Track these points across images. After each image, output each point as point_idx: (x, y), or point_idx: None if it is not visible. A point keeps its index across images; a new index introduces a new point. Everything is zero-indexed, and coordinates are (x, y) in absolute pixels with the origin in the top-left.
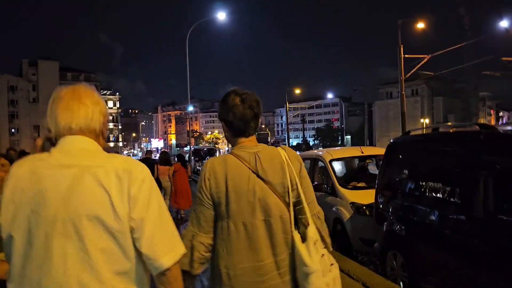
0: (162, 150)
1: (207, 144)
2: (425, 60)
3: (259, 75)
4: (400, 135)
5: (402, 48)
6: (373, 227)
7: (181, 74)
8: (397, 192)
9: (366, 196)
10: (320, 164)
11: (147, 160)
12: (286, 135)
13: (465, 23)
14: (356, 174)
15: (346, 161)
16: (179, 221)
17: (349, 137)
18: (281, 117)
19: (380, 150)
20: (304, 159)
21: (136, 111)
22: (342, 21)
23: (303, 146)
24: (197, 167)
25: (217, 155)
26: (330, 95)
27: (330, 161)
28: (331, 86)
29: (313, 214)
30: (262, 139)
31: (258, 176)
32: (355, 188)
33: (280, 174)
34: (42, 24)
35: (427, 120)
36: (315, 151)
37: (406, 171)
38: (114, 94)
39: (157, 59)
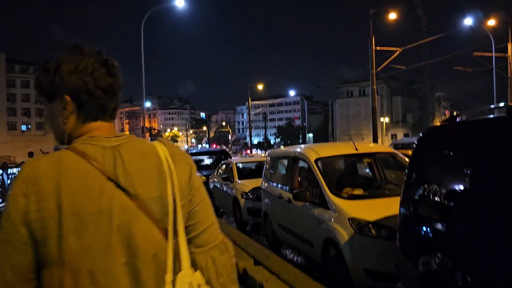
0: None
1: None
2: (397, 53)
3: (220, 72)
4: (443, 121)
5: (373, 39)
6: (387, 256)
7: (139, 70)
8: (446, 208)
9: (370, 209)
10: (302, 164)
11: None
12: (247, 133)
13: (423, 25)
14: (347, 177)
15: (335, 161)
16: None
17: (311, 135)
18: (242, 115)
19: (378, 147)
20: (279, 158)
21: None
22: (304, 20)
23: (265, 145)
24: None
25: None
26: (292, 93)
27: (316, 161)
28: (291, 85)
29: (211, 248)
30: (223, 138)
31: (118, 186)
32: (352, 197)
33: (156, 183)
34: None
35: (386, 119)
36: (293, 148)
37: (464, 176)
38: None
39: (114, 53)
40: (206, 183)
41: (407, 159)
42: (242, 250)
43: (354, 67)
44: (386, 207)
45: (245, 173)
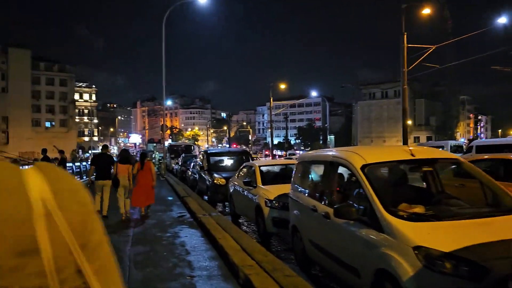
0: (122, 148)
1: (186, 141)
2: (430, 50)
3: (242, 72)
4: None
5: (405, 36)
6: None
7: (161, 68)
8: None
9: (441, 234)
10: (342, 171)
11: (101, 155)
12: (267, 134)
13: (449, 26)
14: (398, 189)
15: (383, 168)
16: (145, 217)
17: (332, 137)
18: (262, 115)
19: (438, 152)
20: (312, 162)
21: (115, 105)
22: (326, 21)
23: (286, 145)
24: (173, 166)
25: (196, 152)
26: (314, 93)
27: (363, 168)
28: (312, 86)
29: None
30: (243, 138)
31: None
32: (415, 217)
33: (10, 239)
34: (14, 11)
35: (409, 122)
36: (331, 152)
37: None
38: (90, 87)
39: (138, 53)
40: (225, 187)
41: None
42: (268, 275)
43: (377, 68)
44: (462, 232)
45: (269, 178)
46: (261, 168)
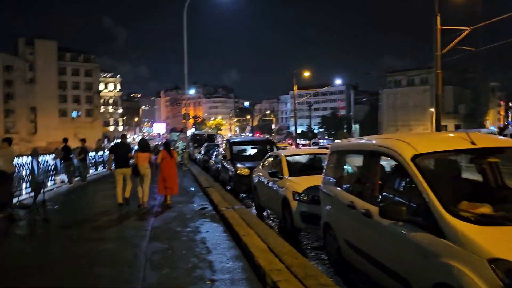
0: (142, 137)
1: (209, 130)
2: (466, 33)
3: (264, 61)
4: None
5: (438, 18)
6: None
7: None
8: None
9: None
10: (387, 162)
11: (120, 145)
12: (290, 123)
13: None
14: (454, 184)
15: (442, 159)
16: (166, 207)
17: (357, 125)
18: (286, 104)
19: (503, 140)
20: (348, 152)
21: (139, 95)
22: (350, 7)
23: (309, 134)
24: (196, 155)
25: (219, 141)
26: (339, 81)
27: (415, 159)
28: (336, 74)
29: None
30: (266, 127)
31: None
32: (486, 220)
33: None
34: (41, 2)
35: None
36: (371, 140)
37: None
38: (115, 77)
39: (162, 44)
40: (248, 177)
41: None
42: (300, 283)
43: (402, 56)
44: None
45: (297, 168)
46: (288, 158)
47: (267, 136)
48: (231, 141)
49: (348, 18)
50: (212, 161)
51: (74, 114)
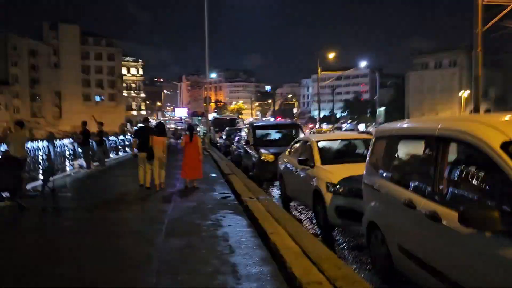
0: (158, 121)
1: (230, 114)
2: (510, 7)
3: (286, 45)
4: None
5: None
6: None
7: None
8: None
9: None
10: (460, 151)
11: (143, 128)
12: (312, 107)
13: None
14: None
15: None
16: (191, 189)
17: (382, 109)
18: (307, 88)
19: None
20: (402, 137)
21: (161, 80)
22: None
23: (333, 119)
24: (217, 139)
25: (241, 125)
26: (364, 63)
27: (508, 147)
28: (359, 57)
29: None
30: (288, 111)
31: None
32: None
33: None
34: None
35: (467, 93)
36: (435, 122)
37: None
38: (137, 61)
39: (184, 28)
40: (273, 164)
41: None
42: None
43: (428, 37)
44: None
45: (330, 156)
46: (319, 143)
47: (288, 120)
48: (254, 124)
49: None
50: (234, 146)
51: (97, 98)
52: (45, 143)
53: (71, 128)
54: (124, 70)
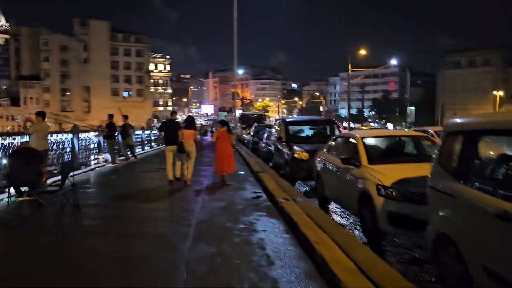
0: (189, 115)
1: (257, 111)
2: None
3: (313, 43)
4: None
5: None
6: None
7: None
8: None
9: None
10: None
11: (169, 122)
12: (339, 105)
13: None
14: None
15: None
16: (220, 187)
17: (413, 108)
18: (334, 87)
19: None
20: (487, 132)
21: (188, 76)
22: None
23: (361, 117)
24: (244, 136)
25: (267, 122)
26: (394, 62)
27: None
28: (387, 55)
29: None
30: (313, 108)
31: None
32: None
33: None
34: None
35: (500, 93)
36: None
37: None
38: (164, 57)
39: (210, 25)
40: (308, 162)
41: None
42: None
43: (458, 36)
44: None
45: (377, 154)
46: (365, 140)
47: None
48: (286, 120)
49: None
50: (262, 143)
51: (125, 93)
52: (70, 135)
53: (100, 122)
54: (151, 66)
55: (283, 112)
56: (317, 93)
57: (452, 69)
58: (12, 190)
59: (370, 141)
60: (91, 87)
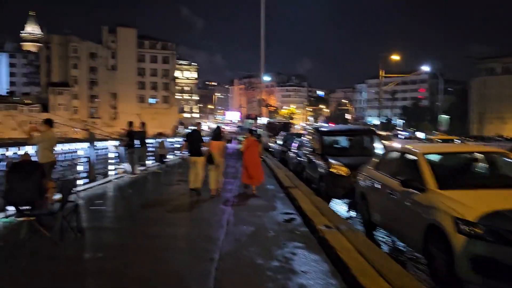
0: (217, 125)
1: (283, 119)
2: None
3: (339, 50)
4: None
5: None
6: None
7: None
8: None
9: None
10: None
11: (194, 132)
12: (366, 113)
13: None
14: None
15: None
16: (247, 204)
17: (446, 117)
18: (361, 94)
19: None
20: None
21: (214, 84)
22: None
23: (391, 125)
24: (270, 144)
25: (292, 130)
26: (426, 68)
27: None
28: (415, 62)
29: None
30: (340, 116)
31: None
32: None
33: None
34: None
35: None
36: None
37: None
38: (191, 64)
39: (236, 33)
40: (347, 179)
41: None
42: None
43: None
44: None
45: (447, 176)
46: (430, 157)
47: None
48: (320, 129)
49: (432, 3)
50: (291, 153)
51: (151, 100)
52: (85, 144)
53: (120, 130)
54: (178, 73)
55: (308, 120)
56: (344, 100)
57: (486, 76)
58: (12, 208)
59: (435, 158)
60: (118, 93)
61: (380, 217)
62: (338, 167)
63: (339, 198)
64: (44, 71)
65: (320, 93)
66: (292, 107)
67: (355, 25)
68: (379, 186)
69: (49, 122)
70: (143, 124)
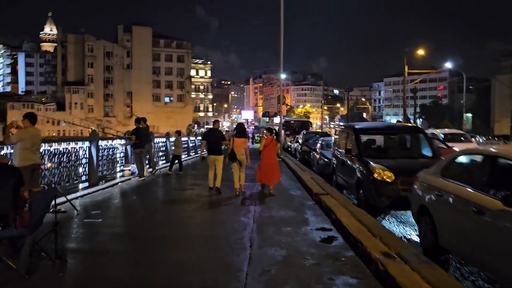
0: (239, 122)
1: (301, 118)
2: None
3: (355, 48)
4: None
5: None
6: None
7: (275, 47)
8: None
9: None
10: None
11: (212, 130)
12: (384, 112)
13: None
14: None
15: None
16: (271, 215)
17: (470, 115)
18: (379, 92)
19: None
20: None
21: (229, 83)
22: None
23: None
24: (288, 143)
25: (312, 129)
26: (448, 65)
27: None
28: (435, 60)
29: None
30: (356, 115)
31: None
32: None
33: None
34: None
35: None
36: None
37: None
38: (206, 63)
39: (251, 33)
40: (393, 186)
41: None
42: None
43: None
44: None
45: None
46: None
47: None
48: (357, 127)
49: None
50: (317, 154)
51: (166, 99)
52: (86, 144)
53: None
54: (193, 72)
55: (325, 119)
56: (363, 99)
57: (509, 74)
58: None
59: None
60: (133, 92)
61: (455, 241)
62: (382, 172)
63: (382, 209)
64: (60, 70)
65: (336, 91)
66: (308, 106)
67: (372, 24)
68: (454, 200)
69: (30, 117)
70: (144, 120)
